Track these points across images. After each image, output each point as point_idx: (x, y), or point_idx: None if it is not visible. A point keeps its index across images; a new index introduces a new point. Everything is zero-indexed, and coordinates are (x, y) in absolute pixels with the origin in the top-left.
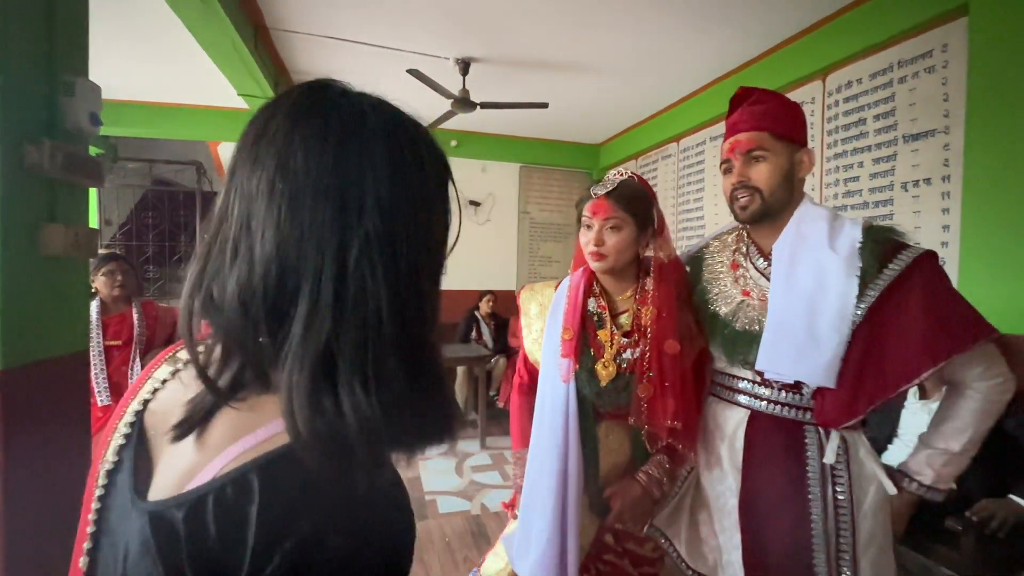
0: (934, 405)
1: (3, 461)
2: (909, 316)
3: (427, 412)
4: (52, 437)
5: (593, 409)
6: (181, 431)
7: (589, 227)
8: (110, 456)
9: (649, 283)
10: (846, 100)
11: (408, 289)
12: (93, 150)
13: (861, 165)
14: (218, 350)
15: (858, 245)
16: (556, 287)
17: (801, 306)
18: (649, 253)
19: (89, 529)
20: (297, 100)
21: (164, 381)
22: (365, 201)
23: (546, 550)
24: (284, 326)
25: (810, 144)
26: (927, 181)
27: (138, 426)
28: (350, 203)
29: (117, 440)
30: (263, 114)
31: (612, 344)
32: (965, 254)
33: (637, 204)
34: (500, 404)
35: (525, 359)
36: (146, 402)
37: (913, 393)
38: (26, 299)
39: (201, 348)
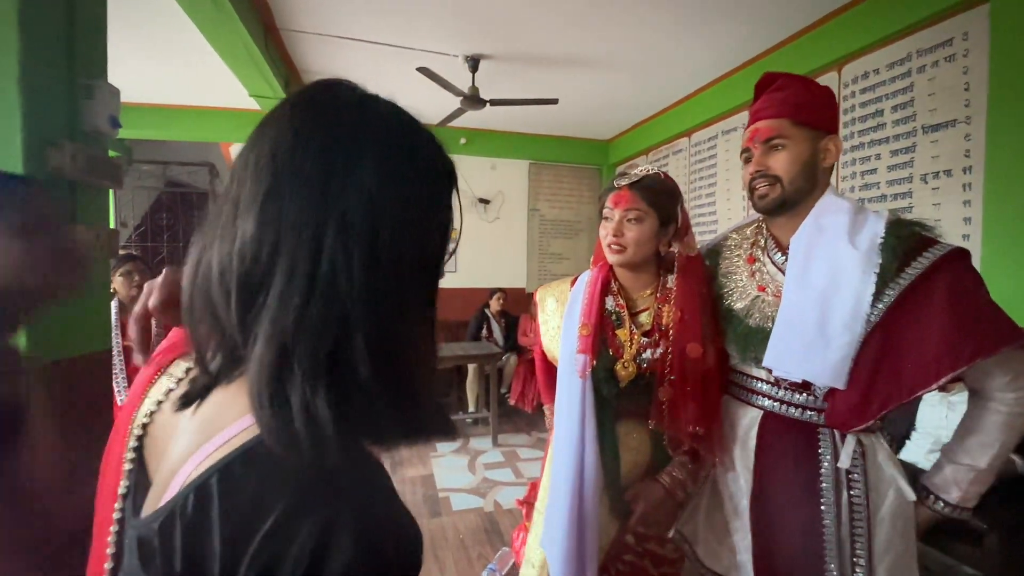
0: (953, 398)
1: (30, 459)
2: (930, 317)
3: (398, 405)
4: (78, 434)
5: (613, 407)
6: (181, 405)
7: (608, 219)
8: (123, 481)
9: (671, 280)
10: (863, 91)
11: (387, 281)
12: (110, 153)
13: (879, 157)
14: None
15: (879, 241)
16: (572, 283)
17: (814, 302)
18: (672, 251)
19: (108, 551)
20: (302, 93)
21: (159, 403)
22: (347, 190)
23: (564, 548)
24: (256, 303)
25: None
26: (947, 172)
27: (140, 451)
28: (331, 190)
29: (126, 465)
30: (274, 108)
31: (632, 344)
32: (987, 246)
33: (660, 197)
34: (511, 402)
35: (542, 359)
36: (145, 426)
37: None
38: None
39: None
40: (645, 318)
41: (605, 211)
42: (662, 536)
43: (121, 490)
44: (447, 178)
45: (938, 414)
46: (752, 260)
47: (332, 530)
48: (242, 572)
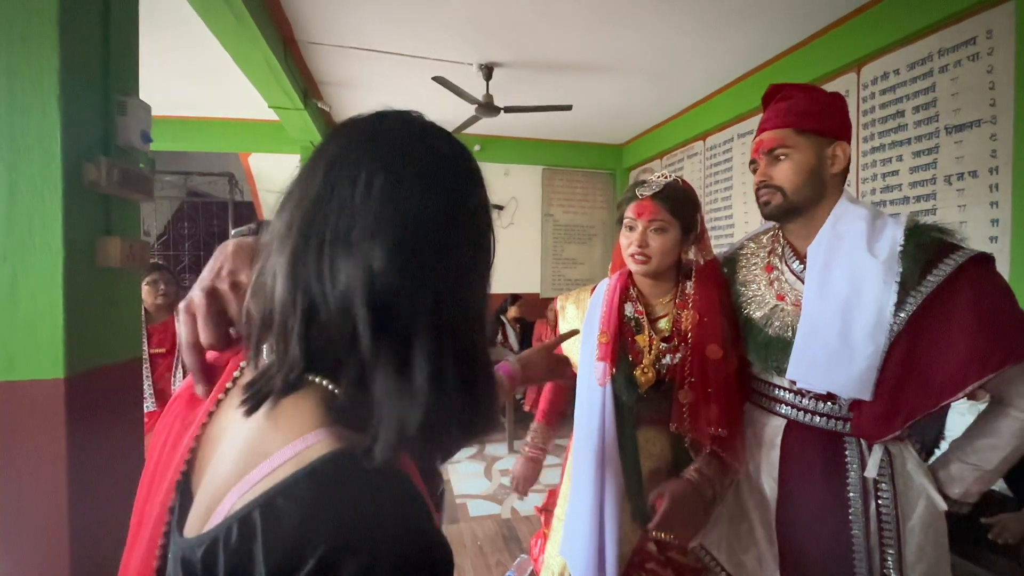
0: (982, 406)
1: (67, 463)
2: (956, 324)
3: (474, 408)
4: (111, 440)
5: (633, 414)
6: (247, 409)
7: (632, 228)
8: (173, 494)
9: (690, 286)
10: (882, 92)
11: (464, 303)
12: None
13: (900, 159)
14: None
15: (899, 248)
16: (592, 291)
17: (835, 313)
18: (690, 257)
19: (155, 564)
20: (386, 126)
21: (211, 414)
22: (436, 231)
23: (585, 558)
24: (362, 330)
25: None
26: (973, 174)
27: (191, 463)
28: (424, 230)
29: (174, 475)
30: (352, 135)
31: (651, 350)
32: (1016, 248)
33: (683, 207)
34: (526, 408)
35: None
36: (198, 438)
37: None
38: (86, 309)
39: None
40: (664, 324)
41: (627, 220)
42: (684, 544)
43: (170, 503)
44: (491, 219)
45: (967, 422)
46: (770, 269)
47: (373, 572)
48: None
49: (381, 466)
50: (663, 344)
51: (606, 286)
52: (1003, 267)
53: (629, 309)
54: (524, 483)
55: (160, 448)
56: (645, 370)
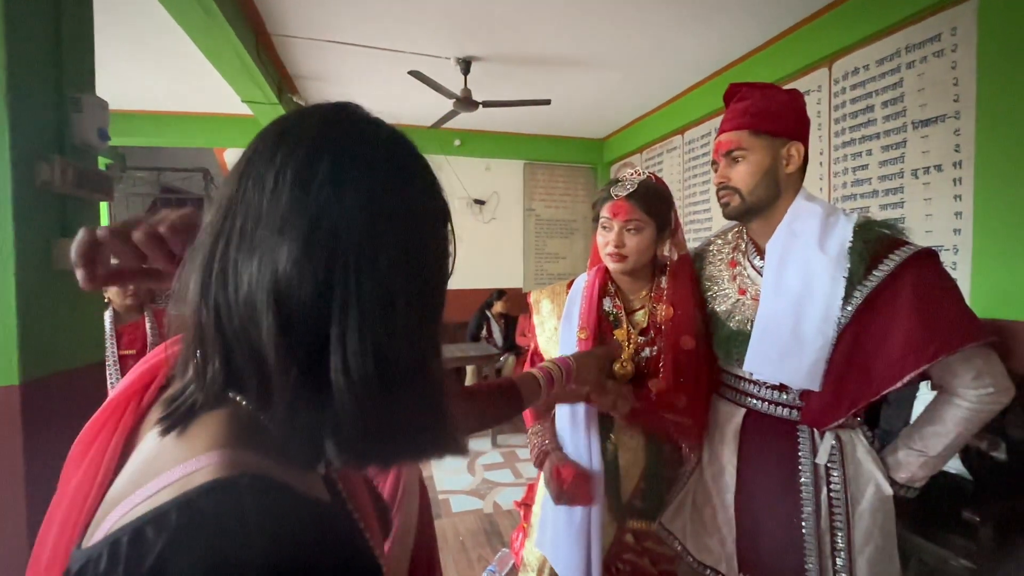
0: None
1: (24, 474)
2: (896, 316)
3: (424, 426)
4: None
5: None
6: (164, 428)
7: (607, 228)
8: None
9: (664, 281)
10: (853, 87)
11: (415, 309)
12: (102, 161)
13: (870, 153)
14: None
15: (848, 245)
16: (569, 285)
17: (788, 308)
18: (665, 253)
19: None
20: (326, 116)
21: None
22: (387, 228)
23: (569, 551)
24: (295, 330)
25: (816, 133)
26: (938, 168)
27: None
28: (375, 226)
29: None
30: (292, 124)
31: (630, 343)
32: (978, 240)
33: (658, 206)
34: None
35: (536, 352)
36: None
37: (925, 384)
38: (42, 313)
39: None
40: (640, 316)
41: (603, 220)
42: (659, 537)
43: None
44: (449, 213)
45: None
46: (734, 264)
47: None
48: None
49: (274, 494)
50: (641, 338)
51: (584, 281)
52: (965, 258)
53: (608, 304)
54: (554, 487)
55: (84, 454)
56: (624, 364)
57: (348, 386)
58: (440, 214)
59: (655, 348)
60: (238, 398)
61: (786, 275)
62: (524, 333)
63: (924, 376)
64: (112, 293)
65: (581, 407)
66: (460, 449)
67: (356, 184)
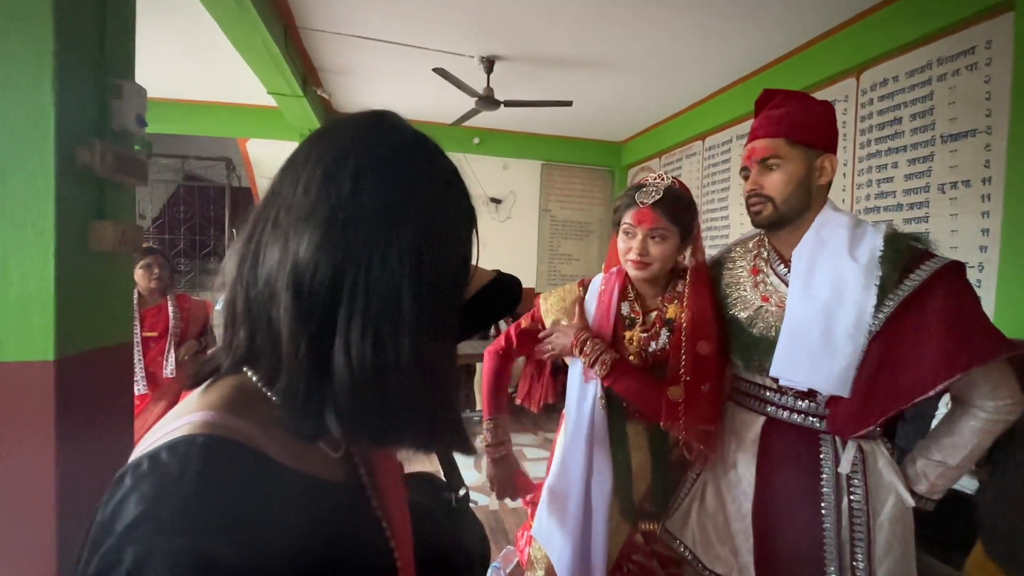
0: None
1: (56, 444)
2: (928, 326)
3: (426, 414)
4: (101, 423)
5: (622, 407)
6: (189, 384)
7: (630, 235)
8: None
9: (680, 285)
10: (881, 99)
11: (427, 303)
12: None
13: (895, 166)
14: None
15: (879, 254)
16: (580, 284)
17: (817, 314)
18: (685, 261)
19: None
20: (361, 121)
21: None
22: (404, 225)
23: (571, 551)
24: (310, 314)
25: (842, 143)
26: (966, 183)
27: None
28: (392, 222)
29: None
30: (330, 127)
31: (634, 342)
32: (1005, 258)
33: (683, 214)
34: (518, 401)
35: (521, 332)
36: None
37: (945, 403)
38: (77, 292)
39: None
40: (652, 317)
41: (625, 226)
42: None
43: None
44: (473, 218)
45: None
46: (756, 271)
47: (144, 565)
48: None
49: (233, 457)
50: (643, 334)
51: (601, 283)
52: (991, 277)
53: (626, 308)
54: (504, 487)
55: None
56: (632, 360)
57: (347, 368)
58: (461, 219)
59: (660, 340)
60: (249, 372)
61: (814, 282)
62: None
63: (948, 388)
64: (137, 276)
65: (589, 395)
66: (466, 446)
67: (376, 183)
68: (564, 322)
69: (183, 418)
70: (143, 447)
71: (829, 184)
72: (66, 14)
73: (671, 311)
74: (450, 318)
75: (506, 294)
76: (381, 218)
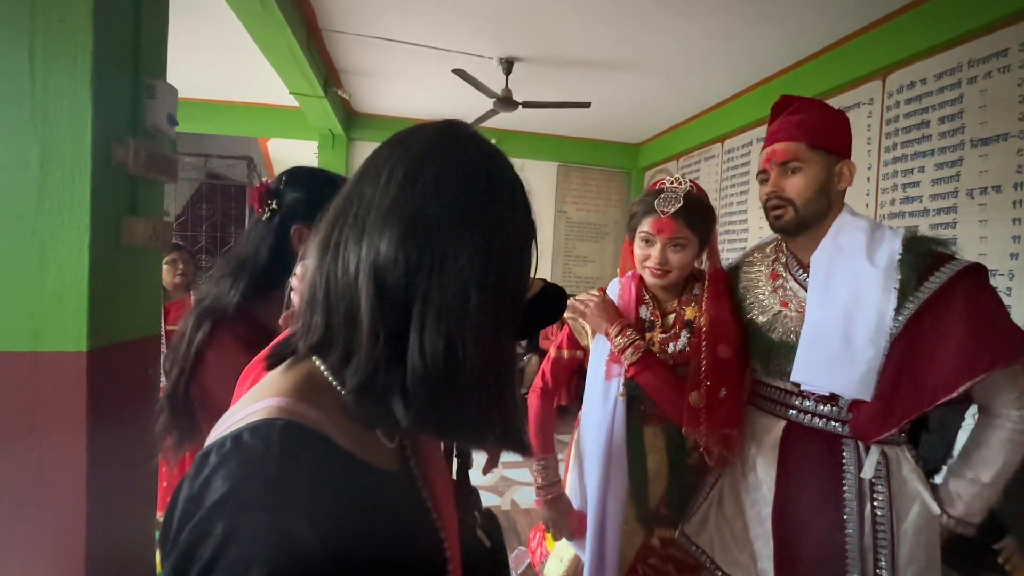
0: None
1: (87, 431)
2: (949, 328)
3: (489, 411)
4: (129, 413)
5: (640, 411)
6: (269, 365)
7: (649, 242)
8: None
9: (697, 288)
10: (908, 101)
11: (491, 306)
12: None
13: (922, 170)
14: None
15: (897, 257)
16: (601, 292)
17: (837, 318)
18: (702, 267)
19: None
20: (442, 129)
21: None
22: (477, 229)
23: (588, 551)
24: (386, 309)
25: (866, 147)
26: (996, 188)
27: None
28: (468, 226)
29: None
30: (412, 131)
31: (655, 344)
32: None
33: (702, 223)
34: None
35: (553, 362)
36: None
37: (972, 414)
38: (109, 286)
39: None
40: (670, 320)
41: (644, 234)
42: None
43: None
44: (534, 231)
45: None
46: (775, 276)
47: (235, 537)
48: (175, 545)
49: (305, 441)
50: (662, 335)
51: (617, 288)
52: (1022, 284)
53: (644, 312)
54: (559, 528)
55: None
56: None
57: (420, 358)
58: (525, 232)
59: (679, 341)
60: (318, 362)
61: (833, 285)
62: (548, 336)
63: (970, 396)
64: (162, 272)
65: (612, 399)
66: (523, 446)
67: (453, 190)
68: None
69: (260, 402)
70: (223, 427)
71: (844, 191)
72: (105, 15)
73: (689, 312)
74: (511, 322)
75: (553, 303)
76: (457, 221)
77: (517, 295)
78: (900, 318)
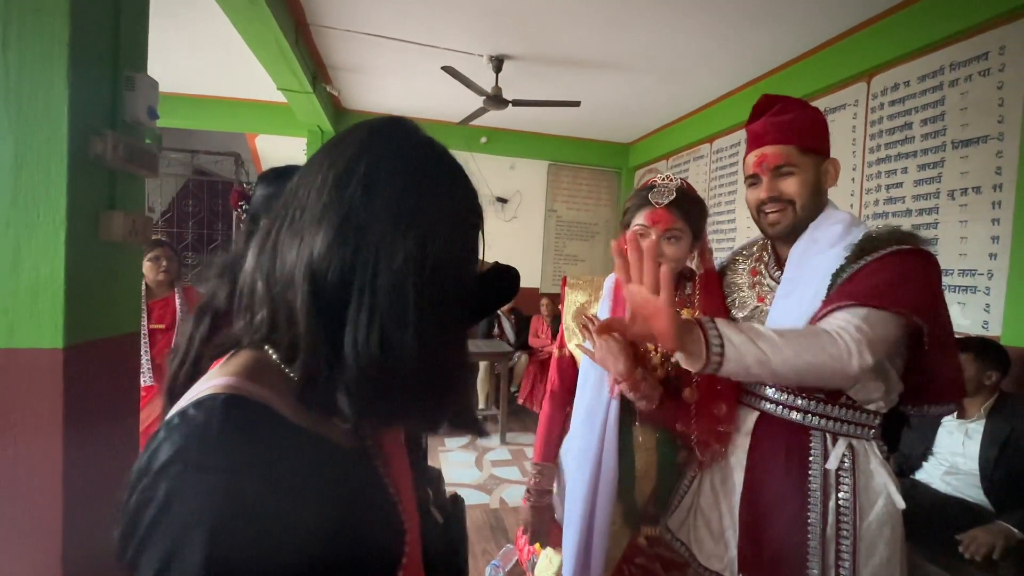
0: (971, 425)
1: (63, 430)
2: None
3: (432, 395)
4: (107, 411)
5: (630, 412)
6: (211, 357)
7: (644, 236)
8: None
9: (689, 287)
10: (892, 103)
11: (432, 296)
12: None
13: (905, 171)
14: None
15: (855, 245)
16: (592, 320)
17: (795, 308)
18: (692, 264)
19: None
20: (379, 127)
21: None
22: (414, 225)
23: (572, 551)
24: (324, 305)
25: (851, 148)
26: (976, 189)
27: None
28: (402, 222)
29: None
30: (350, 132)
31: (658, 349)
32: (1015, 265)
33: (695, 215)
34: (520, 401)
35: (557, 362)
36: None
37: (953, 419)
38: (87, 281)
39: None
40: None
41: (638, 227)
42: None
43: None
44: (480, 222)
45: (955, 440)
46: (755, 273)
47: (177, 496)
48: (125, 513)
49: (250, 413)
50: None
51: (611, 285)
52: (1000, 285)
53: None
54: (537, 534)
55: None
56: (655, 369)
57: (355, 357)
58: (466, 220)
59: None
60: (270, 350)
61: (800, 278)
62: (537, 334)
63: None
64: (145, 268)
65: (604, 401)
66: (474, 427)
67: (383, 189)
68: (584, 297)
69: (207, 383)
70: (174, 409)
71: (828, 189)
72: (81, 5)
73: (685, 315)
74: (457, 311)
75: (502, 283)
76: (389, 221)
77: (462, 285)
78: (835, 285)
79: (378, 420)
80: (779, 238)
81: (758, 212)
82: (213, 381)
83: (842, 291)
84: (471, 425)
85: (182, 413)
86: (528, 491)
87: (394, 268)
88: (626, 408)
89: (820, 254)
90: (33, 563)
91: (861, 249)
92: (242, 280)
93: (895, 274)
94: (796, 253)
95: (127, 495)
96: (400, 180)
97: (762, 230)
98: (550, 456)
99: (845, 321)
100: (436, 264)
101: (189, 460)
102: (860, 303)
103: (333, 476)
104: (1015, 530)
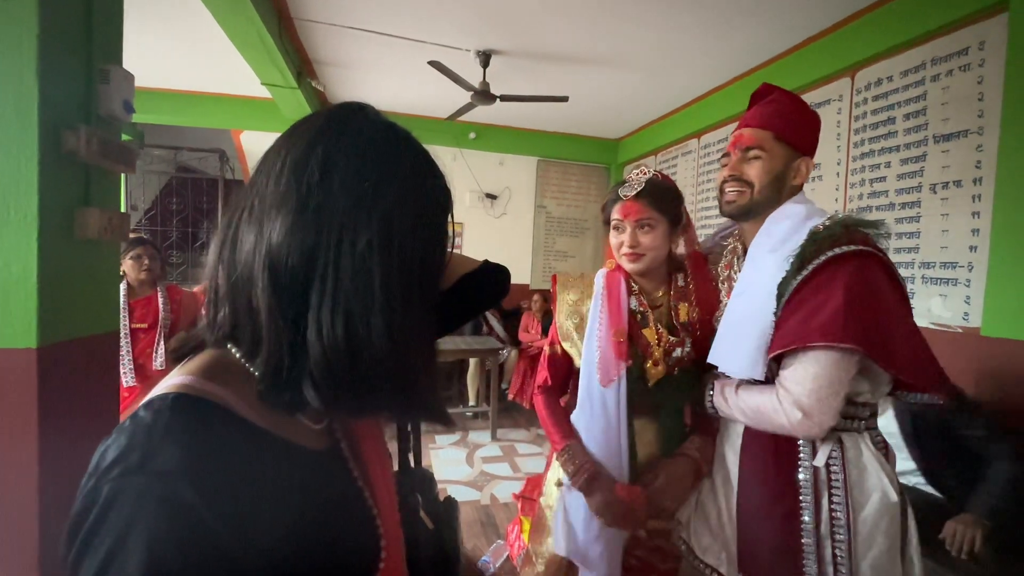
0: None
1: (39, 431)
2: (796, 304)
3: (399, 387)
4: (84, 411)
5: (632, 406)
6: (173, 360)
7: (620, 229)
8: None
9: (681, 279)
10: (875, 98)
11: (396, 285)
12: (123, 137)
13: (888, 165)
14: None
15: (802, 241)
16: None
17: (742, 304)
18: (680, 251)
19: None
20: (336, 112)
21: None
22: (375, 210)
23: (598, 555)
24: (285, 294)
25: (835, 143)
26: (957, 183)
27: None
28: (363, 208)
29: None
30: (308, 119)
31: (660, 343)
32: (995, 257)
33: (667, 202)
34: (510, 396)
35: (549, 359)
36: None
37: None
38: (62, 280)
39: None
40: (662, 314)
41: (614, 222)
42: (669, 530)
43: None
44: (448, 204)
45: (885, 419)
46: (728, 267)
47: (116, 499)
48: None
49: (202, 413)
50: (672, 338)
51: (603, 280)
52: (980, 277)
53: (634, 303)
54: (615, 515)
55: None
56: (656, 363)
57: (319, 344)
58: (432, 202)
59: (686, 348)
60: (232, 348)
61: (752, 278)
62: (527, 329)
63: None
64: (127, 267)
65: (612, 398)
66: (442, 418)
67: (343, 171)
68: (577, 295)
69: (164, 383)
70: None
71: (799, 187)
72: None
73: (683, 314)
74: (425, 297)
75: (491, 283)
76: (349, 204)
77: (429, 269)
78: (783, 299)
79: (347, 412)
80: (732, 217)
81: (720, 190)
82: (170, 381)
83: (786, 324)
84: (441, 416)
85: (132, 416)
86: (572, 479)
87: (358, 250)
88: (630, 403)
89: (772, 252)
90: (9, 567)
91: (803, 256)
92: (207, 276)
93: (836, 297)
94: (752, 247)
95: (77, 497)
96: (359, 161)
97: (720, 208)
98: (570, 433)
99: (783, 376)
100: (402, 245)
101: (131, 463)
102: (804, 345)
103: (296, 481)
104: (986, 521)
